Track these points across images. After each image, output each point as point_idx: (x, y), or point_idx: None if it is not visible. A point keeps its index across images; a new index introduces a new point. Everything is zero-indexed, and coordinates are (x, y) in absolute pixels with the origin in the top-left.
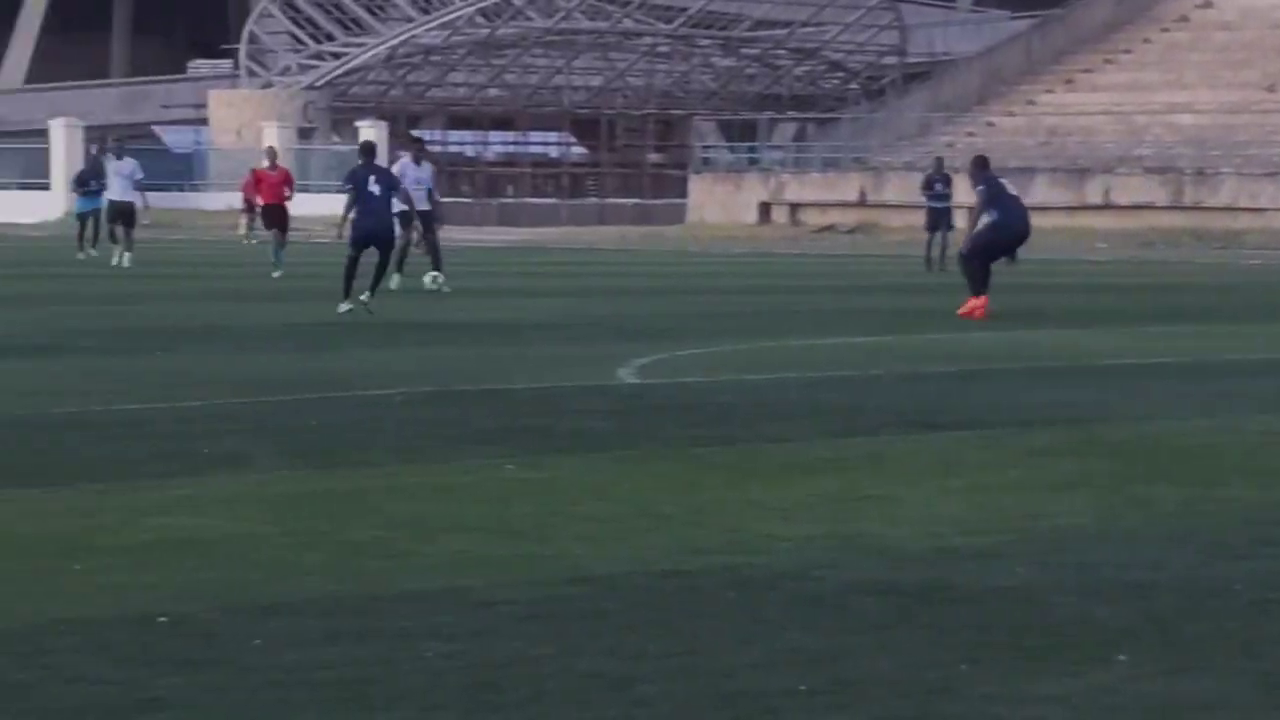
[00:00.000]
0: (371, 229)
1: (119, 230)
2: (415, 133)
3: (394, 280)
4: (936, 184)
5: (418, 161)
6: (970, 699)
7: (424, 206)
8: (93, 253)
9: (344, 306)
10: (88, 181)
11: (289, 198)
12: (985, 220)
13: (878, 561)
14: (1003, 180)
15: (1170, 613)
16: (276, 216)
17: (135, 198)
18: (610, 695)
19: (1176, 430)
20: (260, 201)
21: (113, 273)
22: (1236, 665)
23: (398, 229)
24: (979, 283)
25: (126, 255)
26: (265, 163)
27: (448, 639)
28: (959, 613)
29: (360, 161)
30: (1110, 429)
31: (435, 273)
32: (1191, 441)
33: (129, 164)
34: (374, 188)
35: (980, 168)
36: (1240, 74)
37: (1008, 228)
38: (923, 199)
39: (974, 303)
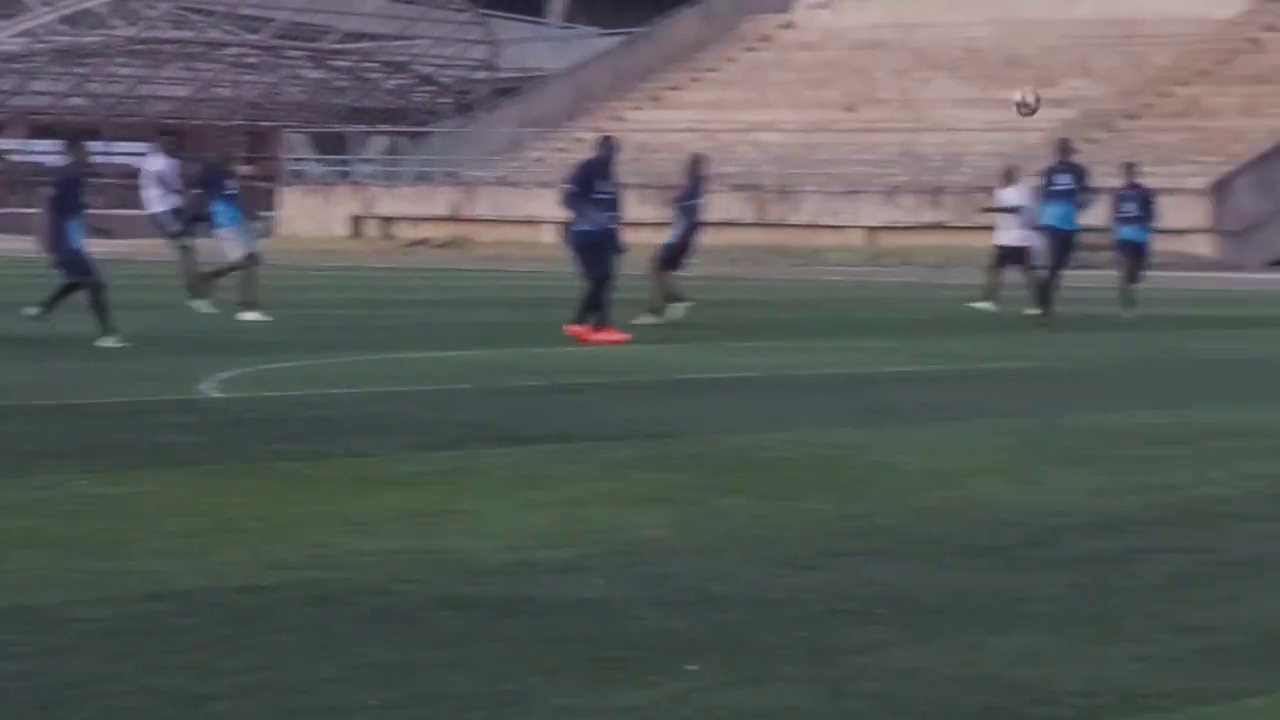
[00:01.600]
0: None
1: None
2: None
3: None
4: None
5: None
6: (544, 711)
7: None
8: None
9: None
10: None
11: None
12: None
13: (458, 575)
14: (596, 181)
15: (742, 623)
16: None
17: None
18: (182, 712)
19: (753, 444)
20: None
21: None
22: (804, 674)
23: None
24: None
25: None
26: None
27: (17, 659)
28: (535, 625)
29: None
30: (691, 443)
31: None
32: (767, 455)
33: None
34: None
35: (583, 169)
36: (821, 93)
37: (581, 235)
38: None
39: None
